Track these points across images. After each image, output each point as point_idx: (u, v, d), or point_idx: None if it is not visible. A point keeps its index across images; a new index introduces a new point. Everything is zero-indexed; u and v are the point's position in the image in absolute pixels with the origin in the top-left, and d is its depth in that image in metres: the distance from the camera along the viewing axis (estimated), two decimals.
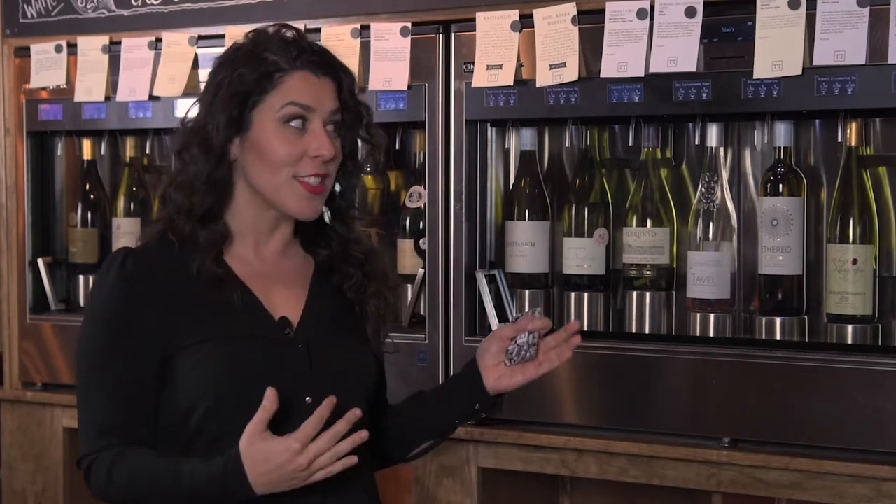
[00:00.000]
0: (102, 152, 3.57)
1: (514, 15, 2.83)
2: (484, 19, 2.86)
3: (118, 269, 2.09)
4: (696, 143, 2.80)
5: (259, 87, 2.08)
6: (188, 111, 2.16)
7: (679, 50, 2.64)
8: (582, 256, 2.93)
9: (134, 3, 3.37)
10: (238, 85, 2.08)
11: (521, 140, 3.00)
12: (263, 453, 1.96)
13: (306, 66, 2.10)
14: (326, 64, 2.12)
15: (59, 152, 3.53)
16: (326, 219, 2.17)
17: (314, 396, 2.06)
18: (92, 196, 3.58)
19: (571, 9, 2.76)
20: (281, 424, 2.00)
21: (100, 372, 2.09)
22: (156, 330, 2.06)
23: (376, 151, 2.24)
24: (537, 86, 2.80)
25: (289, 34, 2.13)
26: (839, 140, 2.70)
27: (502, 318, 2.91)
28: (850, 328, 2.66)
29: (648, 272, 2.88)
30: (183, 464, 2.03)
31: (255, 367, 2.07)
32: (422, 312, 2.99)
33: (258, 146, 2.08)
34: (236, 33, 3.11)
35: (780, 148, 2.75)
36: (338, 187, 2.16)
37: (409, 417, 2.28)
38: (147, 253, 2.14)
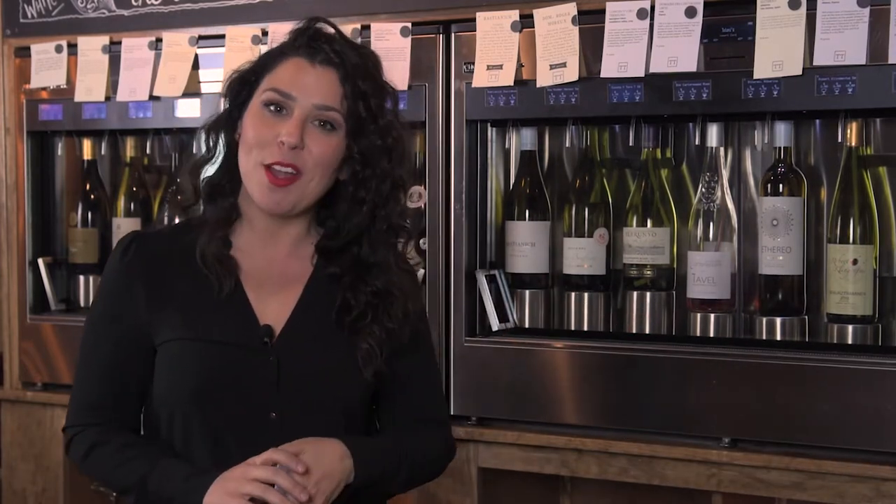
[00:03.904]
0: (102, 152, 3.56)
1: (514, 15, 2.83)
2: (484, 19, 2.86)
3: (120, 255, 2.12)
4: (697, 143, 2.80)
5: (260, 69, 2.09)
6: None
7: (679, 50, 2.64)
8: (582, 256, 2.93)
9: (134, 3, 3.37)
10: (247, 70, 2.11)
11: (521, 140, 3.00)
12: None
13: (303, 53, 2.06)
14: (331, 53, 2.06)
15: (59, 152, 3.53)
16: None
17: (280, 413, 2.03)
18: (92, 196, 3.58)
19: (572, 9, 2.76)
20: (245, 438, 2.01)
21: (91, 351, 2.13)
22: (144, 321, 2.08)
23: (395, 158, 2.08)
24: (537, 86, 2.80)
25: (312, 24, 2.10)
26: (839, 140, 2.70)
27: (502, 318, 2.91)
28: (850, 328, 2.66)
29: (648, 272, 2.88)
30: (154, 473, 2.02)
31: (220, 376, 2.04)
32: None
33: (242, 126, 2.08)
34: (236, 33, 3.15)
35: (780, 148, 2.75)
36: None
37: None
38: (154, 240, 2.14)
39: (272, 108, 2.04)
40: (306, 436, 2.02)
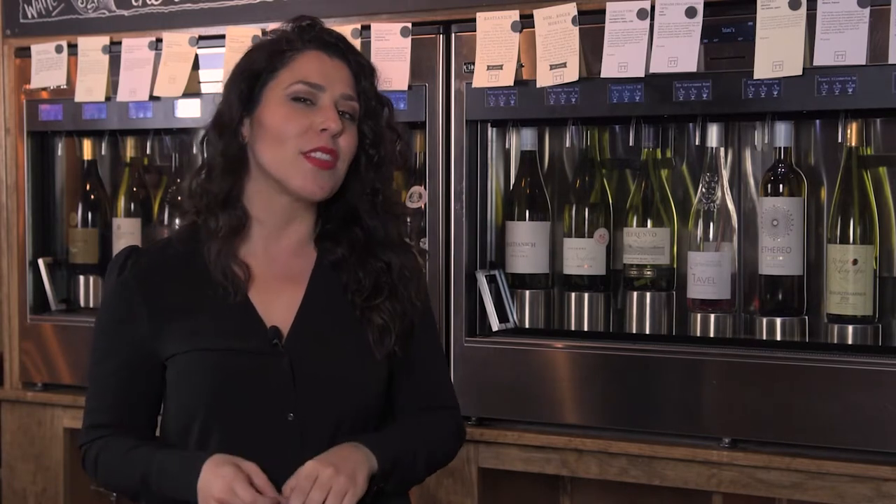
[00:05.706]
0: (103, 152, 3.56)
1: (514, 15, 2.83)
2: (484, 19, 2.86)
3: (117, 272, 2.11)
4: (697, 143, 2.81)
5: (270, 65, 2.08)
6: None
7: (679, 50, 2.64)
8: (582, 256, 2.93)
9: (134, 3, 3.37)
10: (249, 64, 2.10)
11: (521, 140, 3.00)
12: (219, 474, 1.95)
13: (320, 47, 2.09)
14: (343, 49, 2.10)
15: (59, 152, 3.53)
16: None
17: (297, 413, 2.03)
18: (92, 196, 3.58)
19: (572, 9, 2.76)
20: (261, 439, 2.00)
21: (97, 371, 2.12)
22: (148, 337, 2.07)
23: (399, 146, 2.16)
24: (538, 86, 2.80)
25: (305, 22, 2.12)
26: (839, 140, 2.70)
27: (502, 318, 2.91)
28: (850, 328, 2.66)
29: (649, 272, 2.88)
30: (153, 470, 2.02)
31: (234, 385, 2.03)
32: None
33: (264, 121, 2.07)
34: (236, 33, 3.15)
35: (780, 148, 2.75)
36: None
37: None
38: (149, 253, 2.14)
39: (302, 100, 2.05)
40: (324, 434, 2.02)
